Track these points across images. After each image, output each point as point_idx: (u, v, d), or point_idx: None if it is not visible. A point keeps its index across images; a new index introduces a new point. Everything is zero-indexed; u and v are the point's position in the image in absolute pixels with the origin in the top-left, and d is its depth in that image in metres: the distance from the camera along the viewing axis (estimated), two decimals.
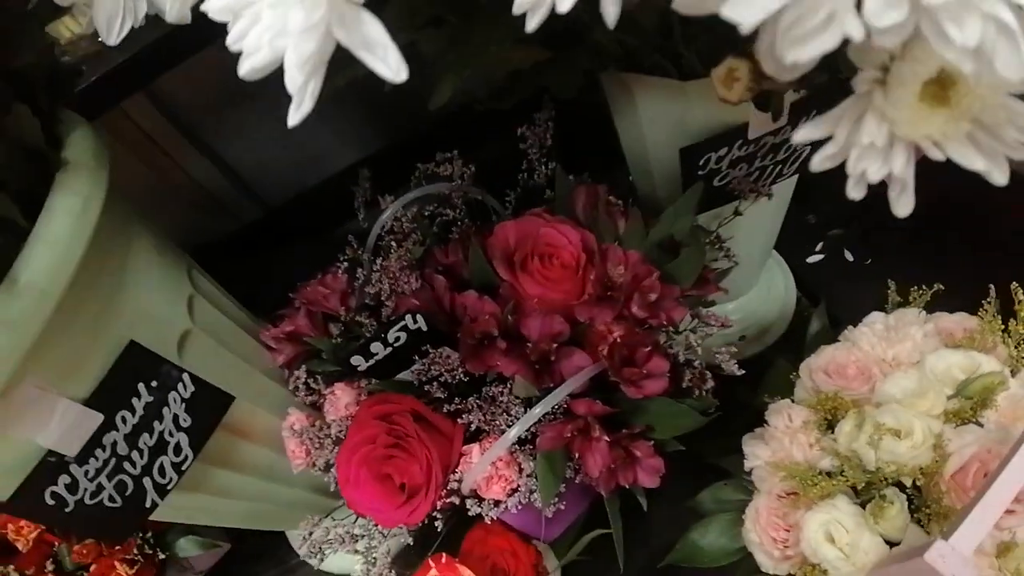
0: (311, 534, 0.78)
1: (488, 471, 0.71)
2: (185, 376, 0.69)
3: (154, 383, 0.67)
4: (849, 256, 1.08)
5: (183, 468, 0.71)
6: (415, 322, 0.68)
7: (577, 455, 0.68)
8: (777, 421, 0.72)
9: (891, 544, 0.62)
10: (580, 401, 0.67)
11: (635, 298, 0.70)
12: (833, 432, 0.68)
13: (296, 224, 1.23)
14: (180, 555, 0.99)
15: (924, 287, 0.75)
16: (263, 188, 1.22)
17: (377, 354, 0.70)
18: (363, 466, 0.74)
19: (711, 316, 0.76)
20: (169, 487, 0.70)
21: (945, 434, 0.62)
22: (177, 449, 0.70)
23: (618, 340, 0.68)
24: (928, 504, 0.63)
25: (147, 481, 0.68)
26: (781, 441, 0.72)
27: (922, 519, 0.62)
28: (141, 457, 0.67)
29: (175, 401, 0.69)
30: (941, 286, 0.74)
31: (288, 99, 0.33)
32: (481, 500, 0.72)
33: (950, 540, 0.51)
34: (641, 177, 0.85)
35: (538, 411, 0.67)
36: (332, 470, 0.78)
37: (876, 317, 0.77)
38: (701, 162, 0.77)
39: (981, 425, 0.64)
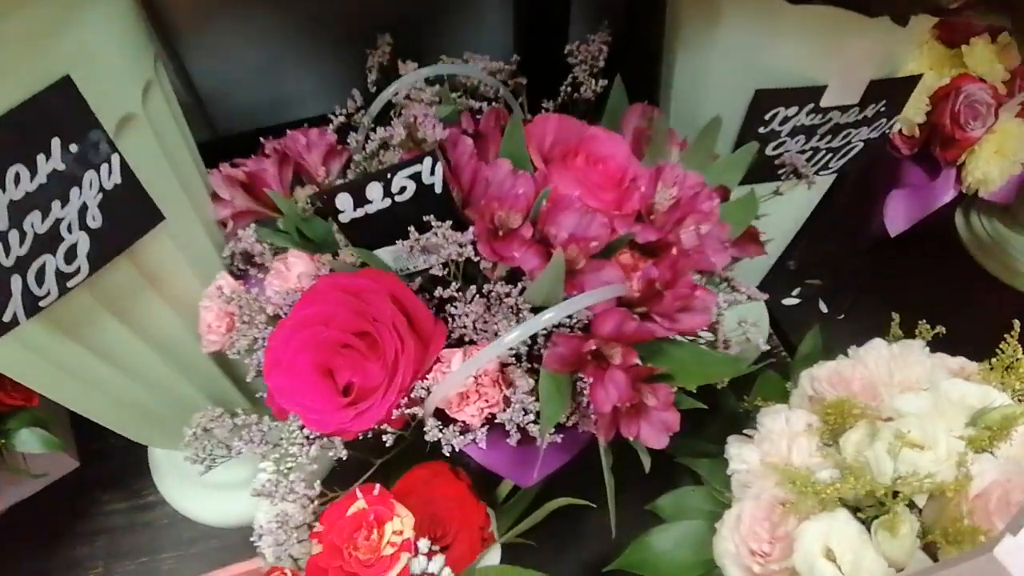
0: (206, 429, 0.58)
1: (466, 386, 0.54)
2: (115, 158, 0.50)
3: (73, 146, 0.47)
4: (823, 307, 1.02)
5: (69, 284, 0.51)
6: (432, 173, 0.53)
7: (588, 383, 0.53)
8: (773, 424, 0.63)
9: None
10: (609, 314, 0.53)
11: (687, 222, 0.58)
12: (837, 443, 0.60)
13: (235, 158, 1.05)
14: (18, 448, 0.75)
15: (928, 324, 0.68)
16: (218, 114, 1.04)
17: (372, 203, 0.53)
18: (306, 351, 0.56)
19: (740, 283, 0.65)
20: (43, 303, 0.50)
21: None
22: (71, 254, 0.50)
23: (657, 265, 0.56)
24: (941, 527, 0.53)
25: (16, 282, 0.48)
26: (777, 444, 0.61)
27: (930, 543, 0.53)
28: (21, 243, 0.47)
29: (91, 186, 0.49)
30: (943, 329, 0.67)
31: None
32: (446, 423, 0.55)
33: (1018, 536, 0.42)
34: (682, 128, 0.75)
35: (550, 316, 0.52)
36: (256, 354, 0.60)
37: (880, 343, 0.68)
38: (768, 116, 0.68)
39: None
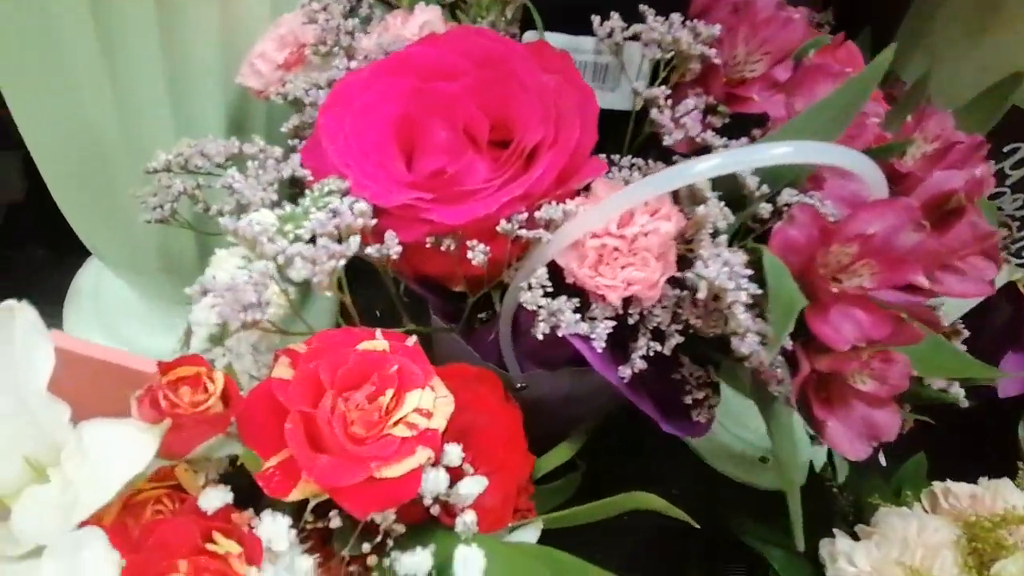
0: (203, 153, 0.35)
1: (616, 237, 0.33)
2: None
3: None
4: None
5: None
6: None
7: (816, 297, 0.32)
8: (905, 528, 0.48)
9: None
10: (879, 210, 0.33)
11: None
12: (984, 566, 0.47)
13: None
14: None
15: None
16: None
17: None
18: (397, 100, 0.34)
19: None
20: None
21: None
22: None
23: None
24: None
25: None
26: (912, 552, 0.45)
27: None
28: None
29: None
30: None
31: None
32: (558, 292, 0.33)
33: None
34: None
35: (785, 151, 0.31)
36: (303, 112, 0.38)
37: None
38: (1009, 148, 0.52)
39: None
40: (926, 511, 0.51)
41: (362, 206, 0.30)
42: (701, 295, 0.30)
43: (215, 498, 0.29)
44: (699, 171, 0.31)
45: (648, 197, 0.32)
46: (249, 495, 0.31)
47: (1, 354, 0.27)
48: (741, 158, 0.32)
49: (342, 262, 0.29)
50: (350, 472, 0.28)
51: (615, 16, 0.37)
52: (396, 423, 0.30)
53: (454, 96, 0.34)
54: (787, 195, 0.34)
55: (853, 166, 0.32)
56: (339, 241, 0.30)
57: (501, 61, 0.35)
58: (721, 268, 0.30)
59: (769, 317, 0.31)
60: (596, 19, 0.37)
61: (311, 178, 0.34)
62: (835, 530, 0.49)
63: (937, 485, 0.53)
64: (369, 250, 0.32)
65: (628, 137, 0.39)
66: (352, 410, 0.30)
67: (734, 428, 0.67)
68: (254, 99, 0.42)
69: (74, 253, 0.55)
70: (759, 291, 0.31)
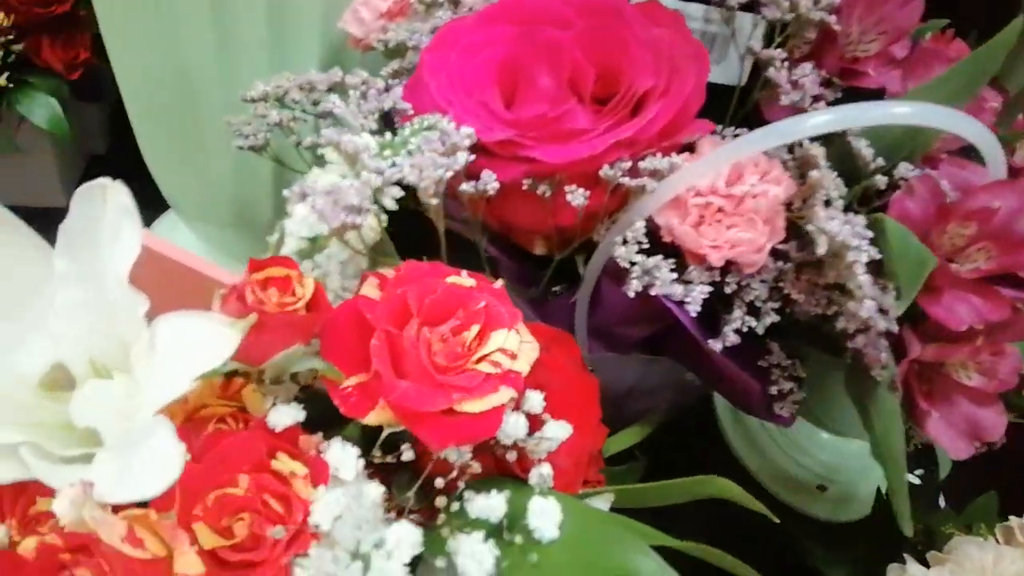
0: (303, 88, 0.34)
1: (721, 196, 0.31)
2: None
3: None
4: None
5: None
6: None
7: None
8: (983, 558, 0.43)
9: None
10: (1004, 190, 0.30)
11: None
12: None
13: None
14: (20, 107, 0.54)
15: None
16: None
17: None
18: (504, 44, 0.33)
19: None
20: None
21: None
22: None
23: None
24: None
25: None
26: None
27: None
28: None
29: None
30: None
31: None
32: (653, 250, 0.31)
33: None
34: None
35: (905, 110, 0.29)
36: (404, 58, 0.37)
37: None
38: None
39: None
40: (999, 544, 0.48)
41: (468, 129, 0.29)
42: (821, 250, 0.28)
43: (286, 415, 0.27)
44: (813, 124, 0.30)
45: (759, 149, 0.30)
46: (316, 426, 0.29)
47: (87, 234, 0.26)
48: (857, 113, 0.30)
49: (449, 173, 0.27)
50: (432, 399, 0.27)
51: None
52: (480, 360, 0.28)
53: (561, 43, 0.33)
54: (903, 169, 0.32)
55: (976, 137, 0.30)
56: None
57: (611, 12, 0.34)
58: (843, 225, 0.28)
59: (889, 284, 0.28)
60: None
61: (411, 111, 0.33)
62: (906, 555, 0.46)
63: (1014, 520, 0.49)
64: (465, 186, 0.31)
65: (731, 111, 0.37)
66: (436, 341, 0.28)
67: (794, 453, 0.64)
68: (349, 48, 0.41)
69: (149, 208, 0.55)
70: (879, 255, 0.28)
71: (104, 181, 0.25)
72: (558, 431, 0.28)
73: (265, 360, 0.26)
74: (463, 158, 0.28)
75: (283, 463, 0.27)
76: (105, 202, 0.26)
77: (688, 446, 0.55)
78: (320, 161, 0.35)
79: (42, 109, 0.54)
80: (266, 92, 0.35)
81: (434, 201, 0.28)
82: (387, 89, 0.34)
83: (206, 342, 0.25)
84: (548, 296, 0.40)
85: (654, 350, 0.42)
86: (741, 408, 0.38)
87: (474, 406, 0.27)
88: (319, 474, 0.27)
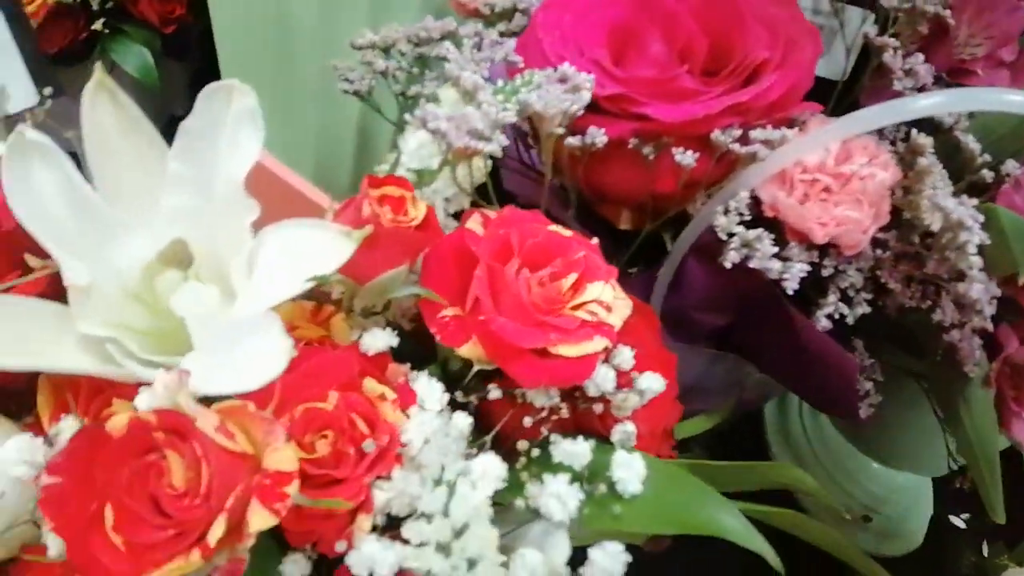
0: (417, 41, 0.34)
1: (826, 174, 0.31)
2: None
3: None
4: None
5: None
6: None
7: None
8: None
9: None
10: None
11: None
12: None
13: None
14: (115, 56, 0.55)
15: None
16: None
17: None
18: (625, 4, 0.33)
19: None
20: None
21: None
22: None
23: None
24: None
25: None
26: None
27: None
28: None
29: None
30: None
31: None
32: (755, 224, 0.31)
33: None
34: None
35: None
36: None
37: None
38: None
39: None
40: None
41: (589, 76, 0.29)
42: (935, 226, 0.28)
43: (380, 339, 0.27)
44: (927, 104, 0.29)
45: (873, 127, 0.29)
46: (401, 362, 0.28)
47: (206, 136, 0.26)
48: (970, 96, 0.29)
49: (575, 107, 0.27)
50: (530, 336, 0.26)
51: None
52: (576, 307, 0.28)
53: (677, 13, 0.33)
54: (1011, 166, 0.31)
55: None
56: None
57: None
58: (957, 205, 0.27)
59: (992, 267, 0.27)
60: None
61: (522, 65, 0.33)
62: None
63: None
64: (572, 140, 0.31)
65: (833, 103, 0.37)
66: (535, 284, 0.28)
67: (842, 479, 0.62)
68: (448, 10, 0.41)
69: None
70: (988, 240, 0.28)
71: (232, 82, 0.25)
72: (653, 383, 0.27)
73: (370, 278, 0.26)
74: (586, 95, 0.28)
75: (373, 386, 0.26)
76: (230, 105, 0.26)
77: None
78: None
79: (134, 58, 0.55)
80: (374, 40, 0.36)
81: (560, 130, 0.28)
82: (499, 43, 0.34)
83: (319, 250, 0.24)
84: (625, 276, 0.40)
85: (721, 344, 0.41)
86: (819, 403, 0.37)
87: (569, 350, 0.27)
88: (407, 401, 0.26)
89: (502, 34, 0.38)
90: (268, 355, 0.22)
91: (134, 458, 0.21)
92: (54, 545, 0.23)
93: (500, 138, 0.26)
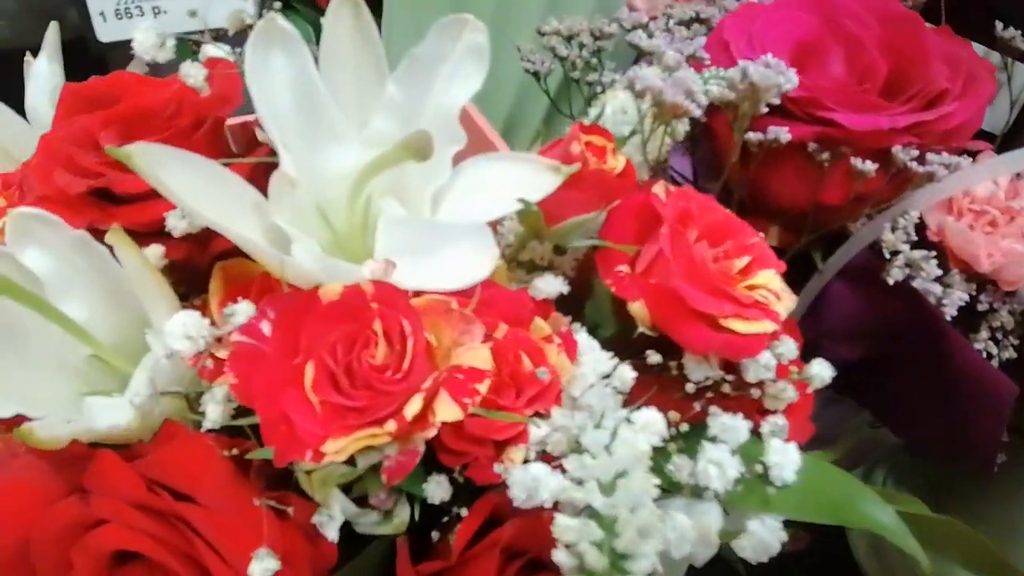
0: None
1: (995, 207, 0.30)
2: None
3: None
4: None
5: None
6: None
7: None
8: None
9: None
10: None
11: None
12: None
13: None
14: None
15: None
16: None
17: None
18: (809, 12, 0.34)
19: None
20: None
21: None
22: None
23: None
24: None
25: None
26: None
27: None
28: None
29: None
30: None
31: None
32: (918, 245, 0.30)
33: None
34: None
35: None
36: None
37: None
38: None
39: None
40: None
41: (791, 69, 0.29)
42: None
43: (552, 284, 0.27)
44: None
45: None
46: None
47: (429, 65, 0.27)
48: None
49: (788, 85, 0.28)
50: (705, 301, 0.26)
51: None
52: (750, 286, 0.28)
53: (862, 38, 0.34)
54: None
55: None
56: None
57: (908, 22, 0.34)
58: None
59: None
60: (999, 24, 0.36)
61: (708, 62, 0.33)
62: None
63: None
64: (752, 135, 0.31)
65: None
66: (710, 258, 0.28)
67: None
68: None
69: None
70: None
71: (466, 16, 0.26)
72: (823, 370, 0.26)
73: (559, 219, 0.26)
74: (795, 78, 0.28)
75: (541, 326, 0.26)
76: (460, 37, 0.26)
77: None
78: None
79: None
80: (559, 29, 0.37)
81: (764, 109, 0.28)
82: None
83: (527, 180, 0.25)
84: None
85: (843, 384, 0.40)
86: (951, 450, 0.35)
87: (740, 325, 0.26)
88: (570, 348, 0.26)
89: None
90: (475, 259, 0.22)
91: (343, 323, 0.21)
92: (214, 412, 0.23)
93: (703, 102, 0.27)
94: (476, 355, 0.22)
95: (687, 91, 0.27)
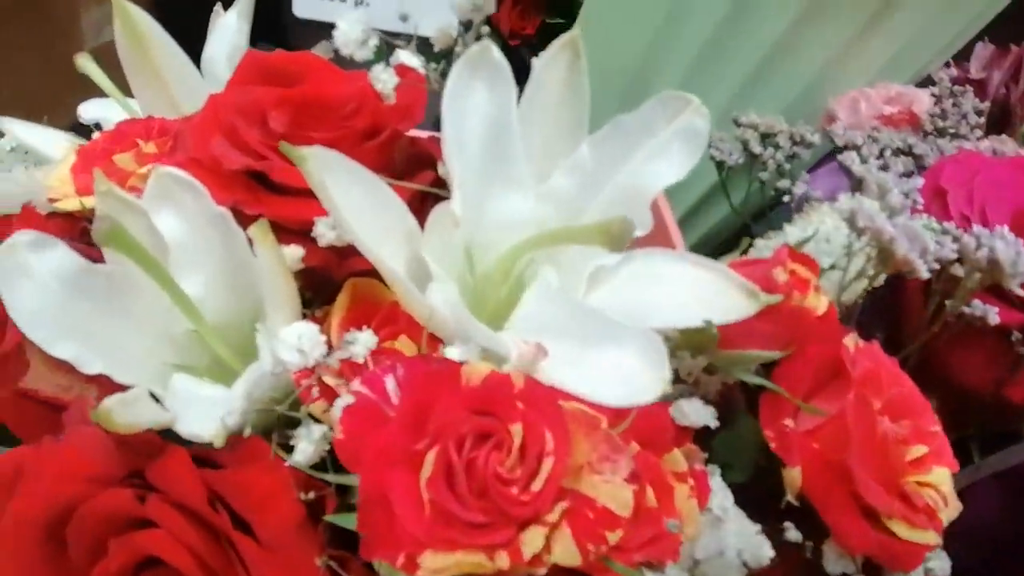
0: None
1: None
2: None
3: None
4: None
5: None
6: None
7: None
8: None
9: None
10: None
11: None
12: None
13: None
14: None
15: None
16: None
17: None
18: None
19: None
20: None
21: None
22: None
23: None
24: None
25: None
26: None
27: None
28: None
29: None
30: None
31: None
32: None
33: None
34: None
35: None
36: None
37: None
38: None
39: None
40: None
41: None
42: None
43: (699, 413, 0.23)
44: None
45: None
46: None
47: (633, 136, 0.23)
48: None
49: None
50: (875, 492, 0.21)
51: None
52: (919, 485, 0.23)
53: None
54: None
55: None
56: None
57: None
58: None
59: None
60: None
61: (920, 205, 0.29)
62: None
63: None
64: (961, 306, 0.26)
65: None
66: (892, 441, 0.23)
67: None
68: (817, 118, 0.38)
69: None
70: None
71: (689, 96, 0.23)
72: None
73: (735, 346, 0.22)
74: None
75: (678, 460, 0.22)
76: (677, 116, 0.23)
77: None
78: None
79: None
80: (756, 123, 0.33)
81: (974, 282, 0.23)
82: (908, 175, 0.30)
83: (711, 295, 0.21)
84: None
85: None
86: None
87: (904, 531, 0.22)
88: (703, 494, 0.22)
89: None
90: (643, 375, 0.19)
91: (479, 415, 0.17)
92: (305, 450, 0.20)
93: (932, 263, 0.22)
94: (615, 495, 0.18)
95: (923, 249, 0.22)
